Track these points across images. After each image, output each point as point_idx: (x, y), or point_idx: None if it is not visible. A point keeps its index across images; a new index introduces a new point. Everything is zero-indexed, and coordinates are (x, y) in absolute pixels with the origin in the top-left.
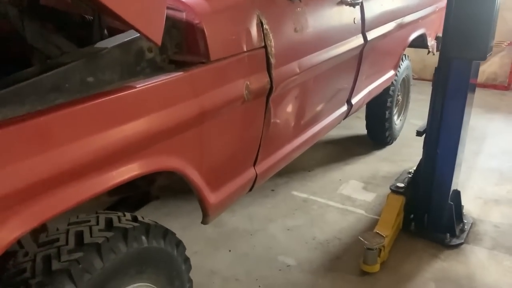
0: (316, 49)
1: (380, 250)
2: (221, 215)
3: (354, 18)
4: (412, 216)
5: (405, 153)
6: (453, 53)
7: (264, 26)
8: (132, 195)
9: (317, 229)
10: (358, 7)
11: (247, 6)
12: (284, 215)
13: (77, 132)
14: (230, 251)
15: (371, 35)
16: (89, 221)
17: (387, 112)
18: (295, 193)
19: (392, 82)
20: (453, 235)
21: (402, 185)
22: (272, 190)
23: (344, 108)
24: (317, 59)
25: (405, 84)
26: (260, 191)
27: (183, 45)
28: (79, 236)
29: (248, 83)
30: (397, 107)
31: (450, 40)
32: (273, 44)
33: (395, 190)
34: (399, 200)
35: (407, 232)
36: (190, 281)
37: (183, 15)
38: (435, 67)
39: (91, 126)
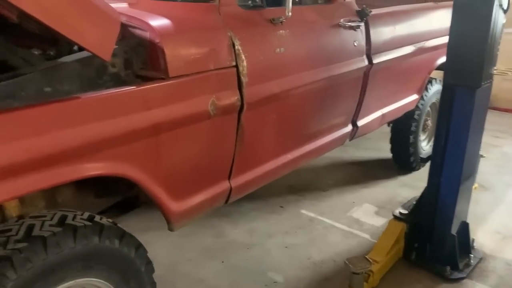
0: (303, 70)
1: (368, 275)
2: (223, 227)
3: (355, 41)
4: (416, 244)
5: None
6: (451, 80)
7: (236, 47)
8: (122, 199)
9: (315, 249)
10: (359, 31)
11: (218, 28)
12: (286, 232)
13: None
14: (222, 262)
15: (380, 57)
16: (45, 216)
17: (411, 137)
18: (303, 211)
19: (417, 106)
20: (455, 268)
21: (405, 211)
22: (281, 207)
23: (348, 129)
24: (303, 80)
25: (437, 109)
26: (269, 206)
27: (147, 62)
28: (30, 228)
29: (215, 99)
30: (426, 133)
31: (449, 67)
32: (245, 64)
33: (397, 216)
34: (399, 227)
35: (408, 261)
36: (153, 283)
37: (147, 35)
38: (441, 93)
39: (34, 128)
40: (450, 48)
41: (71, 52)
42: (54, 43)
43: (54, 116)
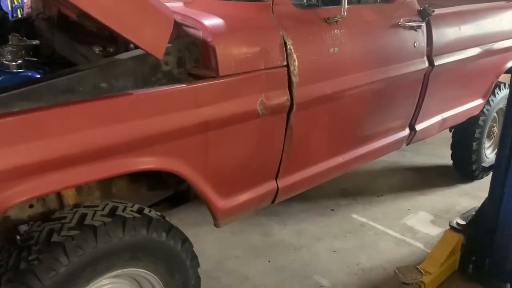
0: (357, 71)
1: (419, 286)
2: (272, 226)
3: (415, 42)
4: (474, 258)
5: None
6: None
7: (288, 46)
8: (174, 193)
9: (365, 256)
10: (420, 31)
11: (270, 27)
12: (335, 236)
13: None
14: (269, 261)
15: (442, 59)
16: (97, 206)
17: (474, 144)
18: (354, 216)
19: (482, 112)
20: None
21: (463, 222)
22: (332, 210)
23: (405, 133)
24: (358, 81)
25: None
26: (319, 208)
27: (199, 60)
28: (82, 217)
29: (264, 99)
30: (492, 140)
31: None
32: (297, 63)
33: (453, 227)
34: (455, 238)
35: (464, 274)
36: (197, 278)
37: (200, 34)
38: (508, 98)
39: (89, 121)
40: None
41: (128, 49)
42: (113, 40)
43: (108, 111)
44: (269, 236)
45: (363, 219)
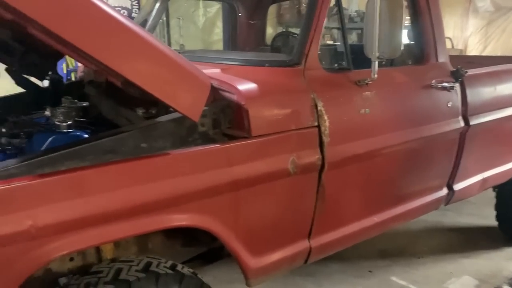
0: (389, 131)
1: None
2: (307, 287)
3: (448, 102)
4: None
5: None
6: None
7: (319, 108)
8: (208, 250)
9: None
10: (454, 91)
11: (301, 90)
12: None
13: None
14: None
15: (478, 119)
16: (133, 261)
17: None
18: (393, 278)
19: None
20: None
21: None
22: (370, 271)
23: (442, 193)
24: (390, 141)
25: None
26: (356, 269)
27: (234, 122)
28: (118, 272)
29: (295, 158)
30: None
31: None
32: (327, 124)
33: None
34: None
35: None
36: None
37: (234, 97)
38: None
39: (129, 179)
40: None
41: (168, 111)
42: (154, 103)
43: (146, 170)
44: None
45: (403, 282)
